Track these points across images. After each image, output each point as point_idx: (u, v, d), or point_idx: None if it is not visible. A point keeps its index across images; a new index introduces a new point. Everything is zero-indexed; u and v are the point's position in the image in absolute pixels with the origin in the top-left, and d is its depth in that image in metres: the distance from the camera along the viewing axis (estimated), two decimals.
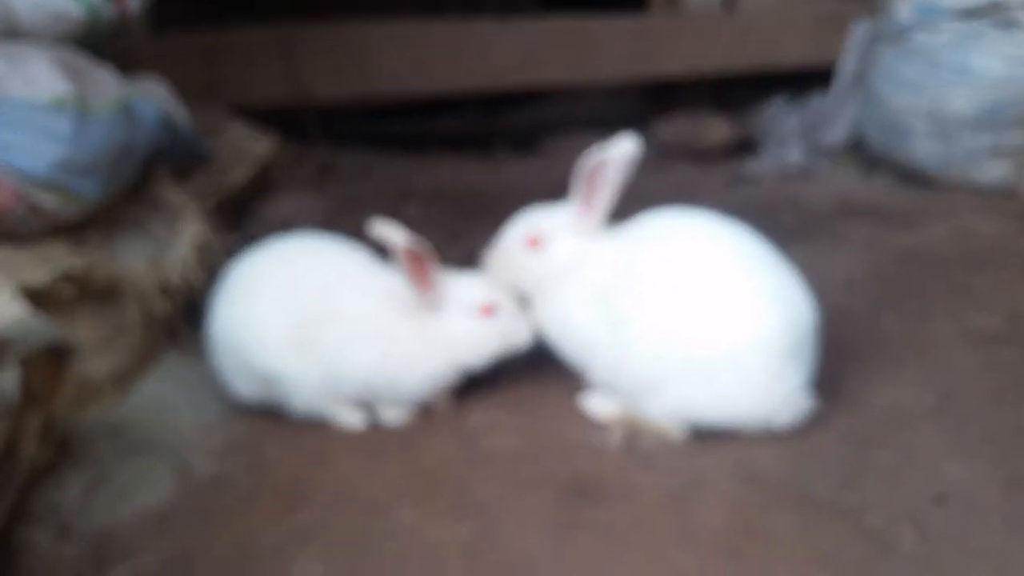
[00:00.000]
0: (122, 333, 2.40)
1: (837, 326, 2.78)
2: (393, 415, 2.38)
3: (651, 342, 2.16)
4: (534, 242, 2.34)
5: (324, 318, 2.27)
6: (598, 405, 2.36)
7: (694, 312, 2.13)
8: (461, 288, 2.33)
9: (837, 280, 3.17)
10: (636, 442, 2.23)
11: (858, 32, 4.79)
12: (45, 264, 2.16)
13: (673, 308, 2.14)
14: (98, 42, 2.60)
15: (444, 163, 4.91)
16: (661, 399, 2.18)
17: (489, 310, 2.32)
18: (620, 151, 2.21)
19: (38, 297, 2.07)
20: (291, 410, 2.35)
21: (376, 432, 2.35)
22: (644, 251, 2.25)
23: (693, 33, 5.18)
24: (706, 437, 2.19)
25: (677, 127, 4.88)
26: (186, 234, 2.63)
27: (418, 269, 2.23)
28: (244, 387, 2.36)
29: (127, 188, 2.53)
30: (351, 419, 2.36)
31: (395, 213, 3.97)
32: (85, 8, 2.43)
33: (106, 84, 2.40)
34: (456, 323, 2.31)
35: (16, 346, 1.84)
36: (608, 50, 4.97)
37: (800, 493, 2.00)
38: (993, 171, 4.02)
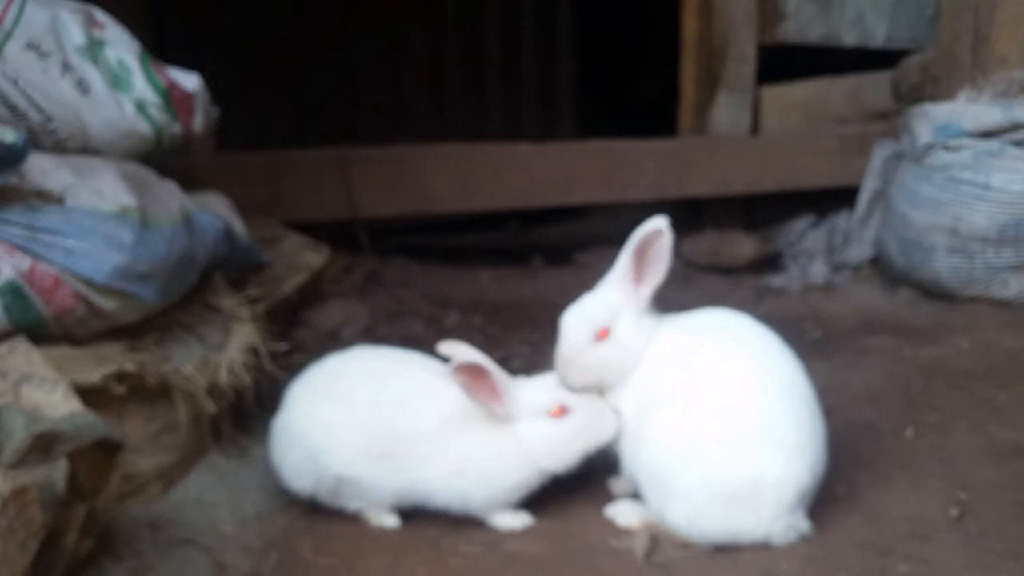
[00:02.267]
0: (169, 431, 2.42)
1: (859, 438, 2.73)
2: (507, 522, 2.32)
3: (667, 433, 2.14)
4: (604, 333, 2.27)
5: (404, 432, 2.27)
6: (623, 513, 2.31)
7: (717, 427, 2.10)
8: (530, 394, 2.28)
9: (859, 393, 3.11)
10: (659, 551, 2.17)
11: (881, 152, 4.82)
12: (100, 363, 2.20)
13: (699, 414, 2.12)
14: (164, 157, 2.71)
15: (483, 274, 4.96)
16: (662, 499, 2.14)
17: (561, 411, 2.25)
18: (665, 226, 2.21)
19: (90, 394, 2.10)
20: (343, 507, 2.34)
21: (406, 531, 2.32)
22: (694, 347, 2.23)
23: (721, 155, 5.24)
24: (729, 548, 2.12)
25: (705, 243, 4.90)
26: (237, 338, 2.67)
27: (481, 382, 2.20)
28: (302, 484, 2.34)
29: (184, 294, 2.59)
30: (387, 521, 2.34)
31: (435, 321, 4.05)
32: (152, 126, 2.54)
33: (169, 197, 2.49)
34: (529, 430, 2.26)
35: (66, 440, 1.86)
36: (640, 171, 5.04)
37: None
38: (1015, 287, 3.96)
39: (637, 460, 2.22)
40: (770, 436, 2.09)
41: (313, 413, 2.34)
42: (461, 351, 2.20)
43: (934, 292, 4.18)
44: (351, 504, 2.34)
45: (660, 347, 2.28)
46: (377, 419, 2.28)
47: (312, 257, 3.64)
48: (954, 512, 2.29)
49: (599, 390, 2.31)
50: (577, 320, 2.31)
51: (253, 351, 2.65)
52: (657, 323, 2.32)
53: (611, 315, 2.28)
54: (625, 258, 2.26)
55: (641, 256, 2.25)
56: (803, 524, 2.15)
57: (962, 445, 2.69)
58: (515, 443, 2.26)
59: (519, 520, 2.32)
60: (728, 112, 5.41)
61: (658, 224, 2.22)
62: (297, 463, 2.33)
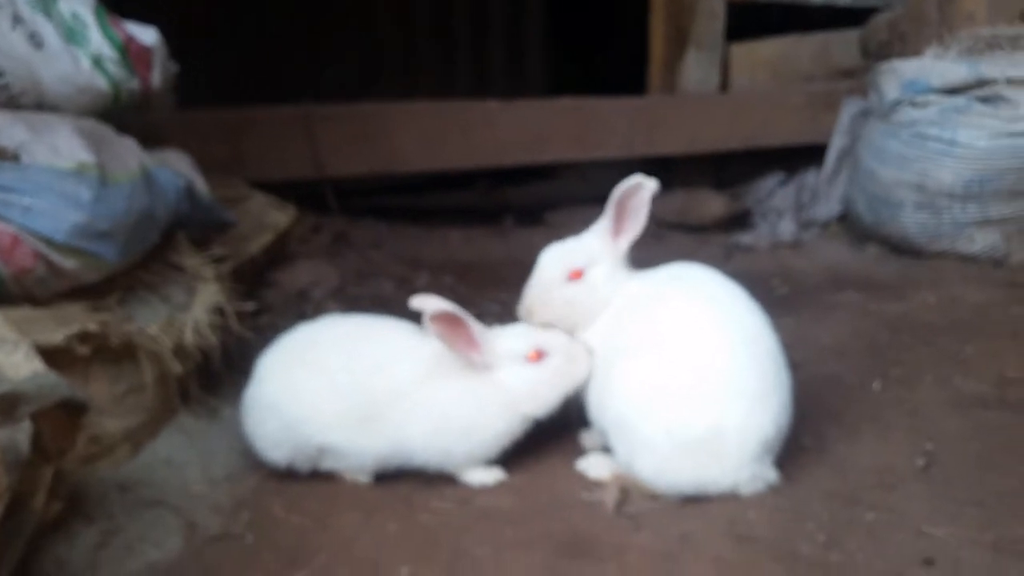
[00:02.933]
0: (136, 393, 2.39)
1: (826, 391, 2.76)
2: (479, 477, 2.32)
3: (631, 385, 2.16)
4: (576, 274, 2.32)
5: (385, 393, 2.26)
6: (593, 466, 2.33)
7: (680, 378, 2.13)
8: (505, 341, 2.29)
9: (826, 347, 3.14)
10: (629, 503, 2.19)
11: (848, 110, 4.85)
12: (62, 324, 2.17)
13: (663, 365, 2.14)
14: (122, 114, 2.65)
15: (453, 234, 4.94)
16: (629, 451, 2.17)
17: (538, 355, 2.27)
18: (649, 182, 2.26)
19: (53, 355, 2.06)
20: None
21: (377, 490, 2.32)
22: (661, 299, 2.26)
23: (690, 113, 5.24)
24: (698, 498, 2.15)
25: (675, 202, 4.90)
26: (201, 298, 2.64)
27: (457, 332, 2.21)
28: (279, 454, 2.32)
29: (146, 253, 2.55)
30: (362, 479, 2.34)
31: (406, 282, 4.03)
32: (109, 81, 2.48)
33: (128, 154, 2.44)
34: (509, 376, 2.27)
35: (29, 401, 1.83)
36: (610, 129, 5.03)
37: (788, 551, 1.95)
38: (980, 242, 4.01)
39: (604, 412, 2.25)
40: (732, 387, 2.11)
41: (288, 383, 2.32)
42: (434, 302, 2.19)
43: (901, 248, 4.24)
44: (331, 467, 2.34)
45: (628, 296, 2.31)
46: (354, 383, 2.26)
47: (278, 216, 3.59)
48: (920, 462, 2.33)
49: (567, 331, 2.35)
50: (553, 257, 2.37)
51: (219, 311, 2.62)
52: (628, 276, 2.36)
53: (588, 259, 2.33)
54: (608, 209, 2.30)
55: (622, 209, 2.30)
56: (770, 474, 2.18)
57: (928, 397, 2.73)
58: (495, 391, 2.27)
59: (491, 475, 2.33)
60: (697, 70, 5.41)
61: (640, 179, 2.27)
62: (273, 434, 2.31)
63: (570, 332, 2.35)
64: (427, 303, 2.19)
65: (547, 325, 2.34)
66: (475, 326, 2.23)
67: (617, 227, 2.33)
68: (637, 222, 2.32)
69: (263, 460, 2.35)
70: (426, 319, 2.17)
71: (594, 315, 2.33)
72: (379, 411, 2.25)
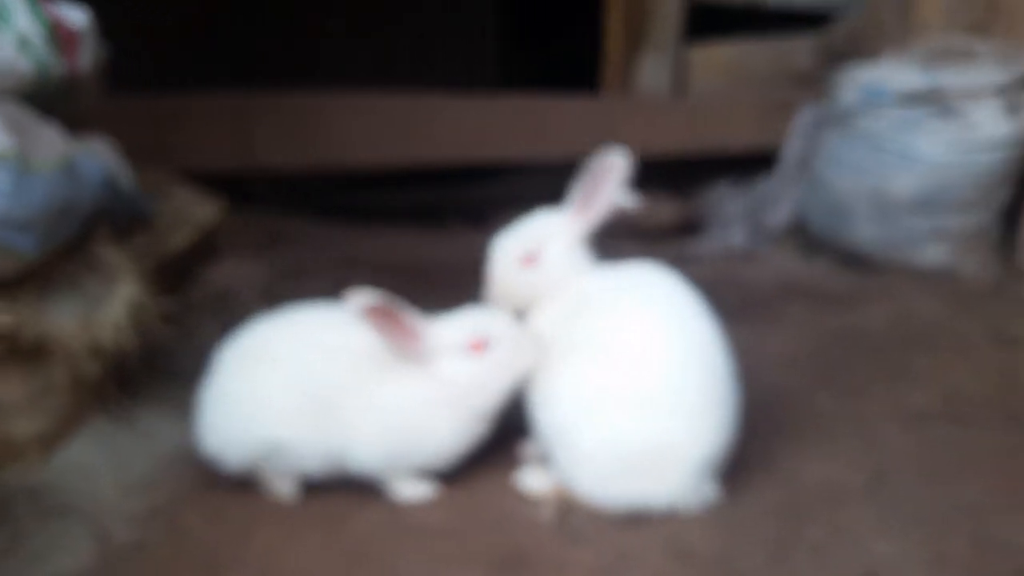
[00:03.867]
0: (49, 394, 2.35)
1: (774, 403, 2.81)
2: (411, 492, 2.31)
3: (572, 394, 2.18)
4: (530, 259, 2.33)
5: (335, 388, 2.24)
6: (532, 481, 2.34)
7: (623, 391, 2.14)
8: (445, 332, 2.27)
9: (774, 358, 3.20)
10: (568, 518, 2.20)
11: (804, 117, 4.93)
12: None
13: (607, 376, 2.15)
14: (48, 99, 2.59)
15: (393, 234, 4.92)
16: (568, 462, 2.19)
17: (479, 345, 2.24)
18: (624, 157, 2.28)
19: None
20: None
21: (303, 503, 2.31)
22: (615, 303, 2.27)
23: (643, 116, 5.28)
24: (638, 514, 2.17)
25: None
26: (121, 295, 2.59)
27: (393, 324, 2.19)
28: (235, 457, 2.28)
29: (65, 245, 2.49)
30: (284, 488, 2.32)
31: (340, 282, 3.98)
32: (34, 62, 2.42)
33: (50, 141, 2.38)
34: (451, 368, 2.24)
35: None
36: (560, 129, 5.05)
37: (729, 568, 1.98)
38: (932, 254, 4.11)
39: (543, 417, 2.25)
40: (677, 403, 2.12)
41: (245, 379, 2.29)
42: (366, 295, 2.17)
43: (852, 258, 4.32)
44: (284, 475, 2.30)
45: (583, 292, 2.32)
46: (308, 377, 2.25)
47: (206, 210, 3.53)
48: (866, 477, 2.39)
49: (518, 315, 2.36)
50: (506, 245, 2.39)
51: (140, 308, 2.57)
52: (587, 263, 2.38)
53: (540, 241, 2.35)
54: (579, 184, 2.32)
55: (592, 184, 2.32)
56: (712, 491, 2.21)
57: (876, 411, 2.79)
58: (443, 384, 2.24)
59: (421, 489, 2.32)
60: (652, 71, 5.46)
61: (617, 154, 2.29)
62: (230, 432, 2.28)
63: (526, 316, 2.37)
64: (359, 297, 2.16)
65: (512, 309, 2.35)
66: (412, 318, 2.22)
67: (584, 203, 2.33)
68: (606, 199, 2.32)
69: (218, 464, 2.31)
70: (359, 313, 2.15)
71: (554, 295, 2.34)
72: (333, 405, 2.24)
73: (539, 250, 2.34)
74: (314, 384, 2.24)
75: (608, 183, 2.32)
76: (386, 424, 2.24)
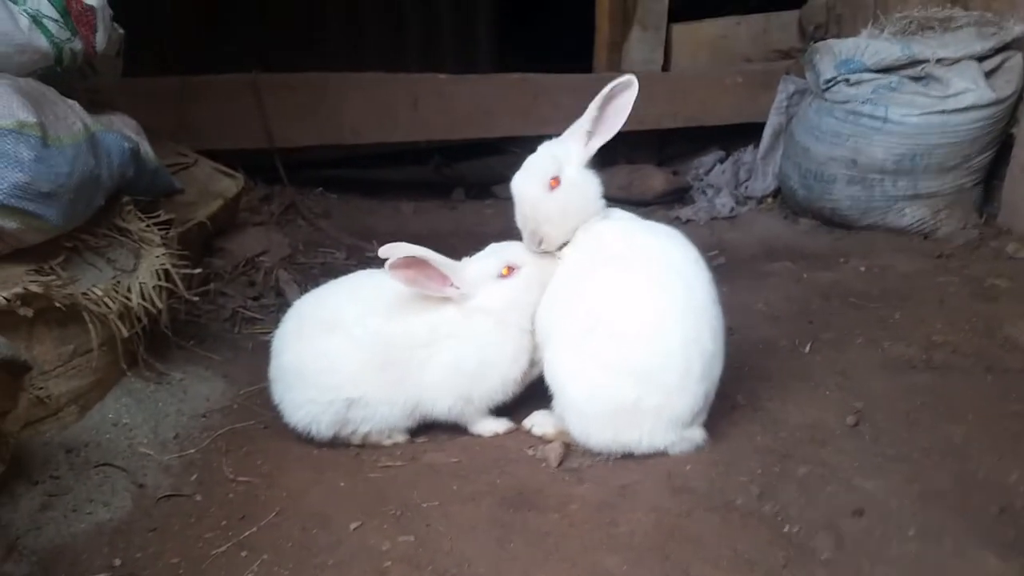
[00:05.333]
0: (82, 355, 2.33)
1: (759, 354, 2.80)
2: (490, 427, 2.35)
3: (566, 349, 2.17)
4: (555, 182, 2.27)
5: (399, 340, 2.24)
6: (538, 423, 2.33)
7: (611, 345, 2.11)
8: (473, 267, 2.30)
9: (760, 313, 3.18)
10: (572, 458, 2.20)
11: (785, 89, 4.89)
12: (3, 286, 2.09)
13: (599, 329, 2.12)
14: (67, 78, 2.55)
15: (403, 206, 4.90)
16: (562, 408, 2.18)
17: (509, 270, 2.28)
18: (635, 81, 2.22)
19: None
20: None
21: (328, 450, 2.30)
22: (623, 258, 2.21)
23: None
24: (635, 455, 2.17)
25: (618, 177, 4.91)
26: (147, 263, 2.57)
27: (427, 272, 2.20)
28: (325, 423, 2.26)
29: (91, 216, 2.46)
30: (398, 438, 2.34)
31: (356, 251, 3.98)
32: (50, 40, 2.38)
33: (71, 115, 2.34)
34: (489, 297, 2.27)
35: None
36: (556, 104, 5.01)
37: (723, 502, 1.98)
38: (910, 216, 4.08)
39: (547, 372, 2.24)
40: (661, 364, 2.09)
41: (320, 352, 2.26)
42: (401, 247, 2.16)
43: (833, 221, 4.30)
44: (360, 431, 2.29)
45: (595, 237, 2.28)
46: (373, 333, 2.24)
47: (226, 184, 3.51)
48: (849, 420, 2.37)
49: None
50: (525, 177, 2.31)
51: (165, 275, 2.55)
52: (598, 185, 2.33)
53: (558, 165, 2.29)
54: (590, 109, 2.25)
55: (605, 109, 2.25)
56: (698, 436, 2.19)
57: (857, 359, 2.77)
58: (488, 313, 2.26)
59: (499, 424, 2.36)
60: (641, 49, 5.42)
61: (628, 78, 2.22)
62: (315, 403, 2.25)
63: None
64: (392, 249, 2.16)
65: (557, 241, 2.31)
66: (442, 261, 2.23)
67: (594, 128, 2.28)
68: (614, 124, 2.27)
69: (293, 428, 2.30)
70: (393, 266, 2.15)
71: (588, 213, 2.30)
72: (398, 357, 2.24)
73: (560, 172, 2.28)
74: (382, 345, 2.23)
75: (622, 107, 2.25)
76: (449, 367, 2.25)
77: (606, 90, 2.22)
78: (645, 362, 2.09)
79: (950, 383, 2.58)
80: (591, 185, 2.31)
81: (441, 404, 2.28)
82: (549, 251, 2.31)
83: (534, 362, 2.32)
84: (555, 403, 2.21)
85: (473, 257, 2.34)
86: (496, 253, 2.33)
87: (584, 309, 2.16)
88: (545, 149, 2.33)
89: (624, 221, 2.36)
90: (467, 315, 2.27)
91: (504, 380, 2.30)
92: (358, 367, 2.23)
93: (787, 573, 1.75)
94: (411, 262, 2.17)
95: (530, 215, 2.28)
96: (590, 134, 2.28)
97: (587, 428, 2.15)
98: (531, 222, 2.29)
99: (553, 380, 2.20)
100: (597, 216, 2.32)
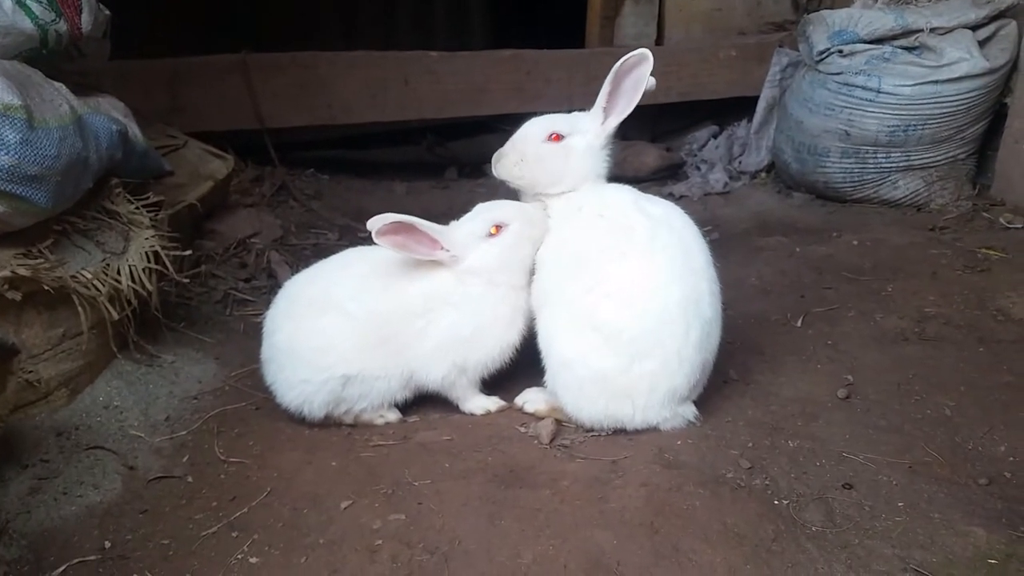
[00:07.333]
0: (72, 338, 2.31)
1: (752, 328, 2.79)
2: (481, 404, 2.35)
3: (557, 326, 2.16)
4: (556, 137, 2.27)
5: (395, 313, 2.22)
6: (530, 400, 2.33)
7: (606, 320, 2.09)
8: (461, 229, 2.27)
9: (753, 287, 3.17)
10: (564, 435, 2.20)
11: (778, 61, 4.85)
12: None
13: (595, 303, 2.10)
14: (54, 61, 2.52)
15: (396, 186, 4.87)
16: (554, 384, 2.18)
17: (497, 229, 2.25)
18: (648, 55, 2.19)
19: None
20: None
21: (319, 431, 2.29)
22: (626, 232, 2.17)
23: None
24: (628, 431, 2.16)
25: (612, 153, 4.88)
26: (137, 245, 2.55)
27: (416, 237, 2.18)
28: (318, 403, 2.25)
29: (80, 199, 2.44)
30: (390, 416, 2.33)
31: (349, 232, 3.96)
32: (35, 22, 2.34)
33: (57, 98, 2.32)
34: (479, 256, 2.24)
35: None
36: (548, 80, 4.97)
37: (713, 476, 1.97)
38: (904, 188, 4.06)
39: (540, 330, 2.22)
40: (655, 343, 2.07)
41: (313, 331, 2.24)
42: (386, 216, 2.14)
43: (826, 195, 4.27)
44: (354, 408, 2.28)
45: (601, 203, 2.25)
46: (368, 310, 2.22)
47: (216, 165, 3.48)
48: (841, 393, 2.37)
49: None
50: (539, 120, 2.33)
51: (155, 257, 2.53)
52: (603, 166, 2.32)
53: (571, 128, 2.28)
54: (605, 86, 2.23)
55: (617, 85, 2.23)
56: (690, 412, 2.19)
57: (850, 332, 2.76)
58: (479, 272, 2.24)
59: (489, 402, 2.36)
60: (635, 23, 5.37)
61: (642, 52, 2.19)
62: (308, 383, 2.24)
63: (529, 197, 2.35)
64: (379, 219, 2.14)
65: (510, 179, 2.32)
66: (429, 225, 2.20)
67: (610, 105, 2.25)
68: (631, 100, 2.23)
69: (286, 409, 2.29)
70: (381, 234, 2.13)
71: (560, 182, 2.29)
72: (395, 331, 2.23)
73: (568, 134, 2.27)
74: (379, 320, 2.22)
75: (636, 82, 2.22)
76: (445, 333, 2.23)
77: (618, 65, 2.19)
78: (641, 323, 2.06)
79: (942, 355, 2.58)
80: (586, 162, 2.28)
81: (435, 372, 2.26)
82: (514, 186, 2.33)
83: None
84: (547, 377, 2.20)
85: (461, 219, 2.31)
86: (482, 213, 2.29)
87: (581, 270, 2.14)
88: (570, 115, 2.33)
89: (622, 190, 2.33)
90: (460, 279, 2.24)
91: (501, 345, 2.28)
92: (354, 344, 2.21)
93: (777, 546, 1.75)
94: (399, 227, 2.15)
95: (516, 144, 2.32)
96: (606, 112, 2.26)
97: (578, 401, 2.14)
98: (508, 147, 2.33)
99: (547, 344, 2.18)
100: (587, 184, 2.30)
